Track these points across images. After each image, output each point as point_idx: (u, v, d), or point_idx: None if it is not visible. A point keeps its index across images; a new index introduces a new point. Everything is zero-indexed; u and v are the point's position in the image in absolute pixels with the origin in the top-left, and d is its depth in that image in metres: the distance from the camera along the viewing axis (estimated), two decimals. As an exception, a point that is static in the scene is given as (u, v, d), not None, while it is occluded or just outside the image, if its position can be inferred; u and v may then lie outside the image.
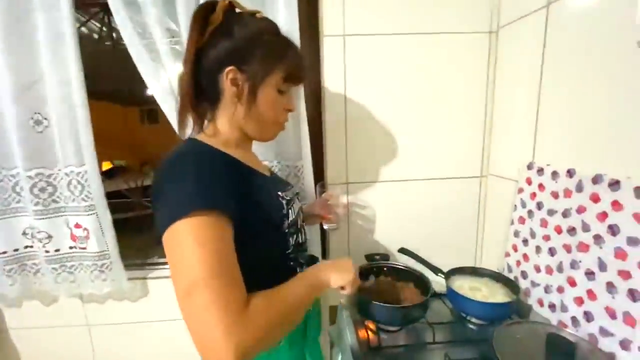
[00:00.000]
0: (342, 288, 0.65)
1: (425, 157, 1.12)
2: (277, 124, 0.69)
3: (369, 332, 0.82)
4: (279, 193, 0.69)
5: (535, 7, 0.89)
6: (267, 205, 0.64)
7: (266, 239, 0.63)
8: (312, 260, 0.80)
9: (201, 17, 0.62)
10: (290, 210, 0.69)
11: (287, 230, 0.67)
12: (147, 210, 1.32)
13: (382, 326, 0.84)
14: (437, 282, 0.92)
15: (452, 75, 1.07)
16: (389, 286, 0.91)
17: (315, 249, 1.12)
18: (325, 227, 0.97)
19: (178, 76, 0.67)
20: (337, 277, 0.64)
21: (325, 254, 1.21)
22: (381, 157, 1.11)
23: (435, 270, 0.96)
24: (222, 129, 0.66)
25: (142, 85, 0.95)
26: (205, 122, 0.69)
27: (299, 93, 1.01)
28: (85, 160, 0.99)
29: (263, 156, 1.05)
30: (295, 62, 0.66)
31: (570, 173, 0.79)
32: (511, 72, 1.01)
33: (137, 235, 1.59)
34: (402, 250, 1.03)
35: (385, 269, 0.99)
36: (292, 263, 0.69)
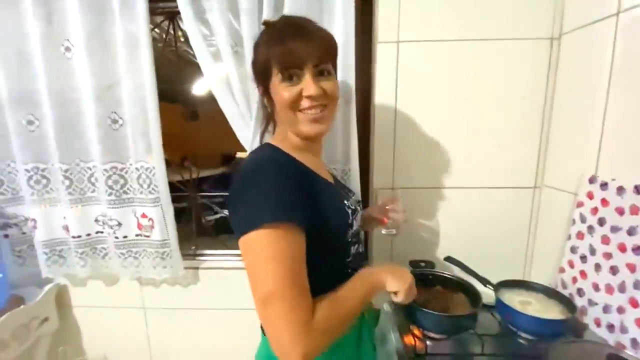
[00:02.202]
0: (395, 293, 0.67)
1: (476, 165, 1.10)
2: (300, 113, 0.65)
3: (415, 339, 0.83)
4: (345, 202, 0.70)
5: (604, 14, 0.85)
6: (334, 215, 0.66)
7: (330, 247, 0.65)
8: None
9: None
10: (354, 221, 0.70)
11: (349, 240, 0.69)
12: (200, 202, 1.40)
13: (429, 333, 0.85)
14: (484, 294, 0.90)
15: (508, 81, 1.05)
16: (439, 293, 0.91)
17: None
18: (383, 232, 0.95)
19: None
20: (393, 281, 0.66)
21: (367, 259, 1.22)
22: (429, 164, 1.11)
23: (484, 281, 0.94)
24: (286, 136, 0.71)
25: (187, 86, 1.00)
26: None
27: (351, 91, 1.03)
28: (153, 157, 1.08)
29: None
30: (282, 50, 0.62)
31: (638, 189, 0.75)
32: (574, 80, 0.97)
33: (187, 226, 1.68)
34: (449, 259, 1.02)
35: (430, 276, 0.99)
36: (350, 271, 0.70)
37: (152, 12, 1.19)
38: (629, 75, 0.80)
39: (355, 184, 1.09)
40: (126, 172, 1.12)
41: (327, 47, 0.66)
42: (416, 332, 0.86)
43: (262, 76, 0.67)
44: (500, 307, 0.88)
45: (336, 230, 0.66)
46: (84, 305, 1.35)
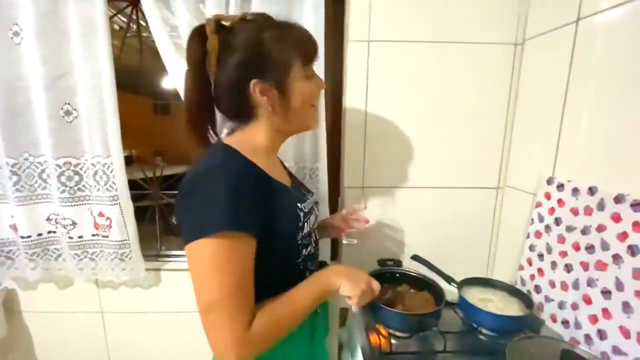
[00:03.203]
0: (349, 297, 0.67)
1: (443, 165, 1.12)
2: (314, 107, 0.70)
3: (381, 337, 0.84)
4: (298, 205, 0.69)
5: (564, 21, 0.88)
6: (284, 219, 0.64)
7: (280, 249, 0.65)
8: (322, 266, 0.81)
9: (197, 42, 0.62)
10: (305, 223, 0.70)
11: (300, 242, 0.68)
12: (163, 201, 1.34)
13: (394, 332, 0.85)
14: (449, 291, 0.92)
15: (474, 84, 1.07)
16: (402, 292, 0.92)
17: (325, 253, 1.13)
18: (344, 241, 0.97)
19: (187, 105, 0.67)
20: (348, 285, 0.65)
21: (336, 259, 1.22)
22: (398, 163, 1.12)
23: (448, 279, 0.96)
24: (254, 135, 0.67)
25: (156, 79, 0.96)
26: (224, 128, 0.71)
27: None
28: (111, 152, 1.02)
29: (282, 156, 1.06)
30: (304, 41, 0.64)
31: (592, 191, 0.79)
32: (535, 84, 1.01)
33: (151, 225, 1.61)
34: (415, 258, 1.03)
35: (397, 275, 1.00)
36: (300, 268, 0.71)
37: (114, -3, 1.13)
38: (585, 81, 0.83)
39: (322, 183, 1.08)
40: (81, 168, 1.05)
41: None
42: (382, 331, 0.86)
43: (275, 73, 0.62)
44: (462, 304, 0.90)
45: (286, 233, 0.65)
46: (34, 310, 1.25)
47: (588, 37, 0.82)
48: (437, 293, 0.91)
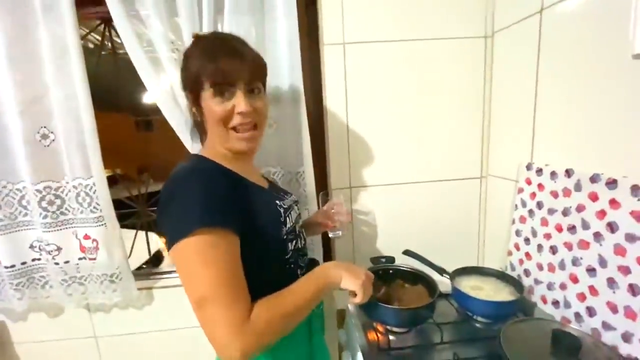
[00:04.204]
0: (354, 295, 0.68)
1: (426, 159, 1.14)
2: (232, 130, 0.67)
3: (378, 334, 0.84)
4: (277, 202, 0.71)
5: (528, 12, 0.92)
6: (265, 216, 0.67)
7: (265, 247, 0.66)
8: (312, 263, 0.82)
9: None
10: (287, 218, 0.71)
11: (285, 237, 0.70)
12: (151, 218, 1.33)
13: (391, 328, 0.86)
14: (442, 283, 0.94)
15: (449, 79, 1.10)
16: (397, 288, 0.93)
17: (317, 254, 1.13)
18: (330, 235, 0.98)
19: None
20: (349, 278, 0.66)
21: (329, 258, 1.22)
22: (383, 161, 1.13)
23: (440, 271, 0.98)
24: (215, 145, 0.71)
25: (136, 95, 0.95)
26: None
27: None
28: (92, 172, 1.00)
29: (265, 163, 1.07)
30: (215, 67, 0.63)
31: (568, 173, 0.81)
32: (507, 75, 1.04)
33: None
34: (407, 252, 1.04)
35: (391, 271, 1.01)
36: (292, 266, 0.72)
37: (86, 16, 1.11)
38: (554, 69, 0.86)
39: (310, 186, 1.09)
40: (62, 191, 1.03)
41: (258, 66, 0.69)
42: (379, 328, 0.87)
43: (193, 86, 0.67)
44: (455, 294, 0.92)
45: (269, 229, 0.67)
46: (26, 340, 1.21)
47: (553, 25, 0.85)
48: (430, 286, 0.92)
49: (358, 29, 1.05)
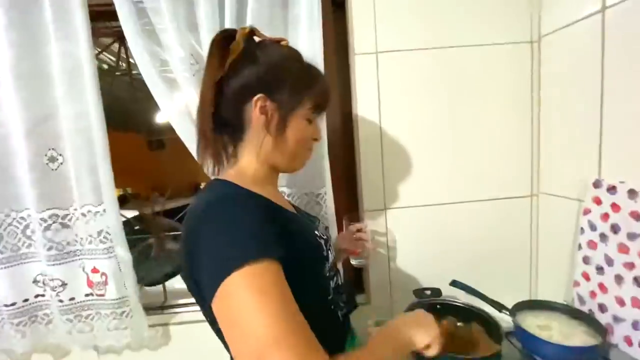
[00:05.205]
0: (427, 347, 0.55)
1: (469, 177, 1.03)
2: (306, 154, 0.65)
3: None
4: (316, 232, 0.62)
5: (587, 12, 0.82)
6: (309, 249, 0.58)
7: (309, 287, 0.55)
8: (352, 306, 0.71)
9: (221, 45, 0.59)
10: (329, 252, 0.63)
11: (328, 274, 0.60)
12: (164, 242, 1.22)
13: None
14: (499, 319, 0.81)
15: (491, 88, 1.00)
16: (451, 328, 0.79)
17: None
18: (353, 262, 0.89)
19: (196, 111, 0.61)
20: (422, 334, 0.54)
21: (363, 291, 1.10)
22: (420, 180, 1.02)
23: (499, 306, 0.84)
24: (248, 166, 0.61)
25: (148, 114, 0.87)
26: (225, 157, 0.63)
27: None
28: (103, 198, 0.91)
29: (282, 183, 0.97)
30: (323, 91, 0.63)
31: (653, 191, 0.69)
32: (561, 81, 0.94)
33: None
34: (455, 284, 0.91)
35: (438, 306, 0.88)
36: (333, 308, 0.62)
37: (99, 32, 1.05)
38: (624, 71, 0.76)
39: (330, 209, 0.97)
40: (70, 220, 0.93)
41: None
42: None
43: (285, 98, 0.58)
44: (522, 336, 0.78)
45: (313, 266, 0.57)
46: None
47: (620, 25, 0.75)
48: (489, 325, 0.79)
49: (392, 37, 0.96)
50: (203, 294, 0.47)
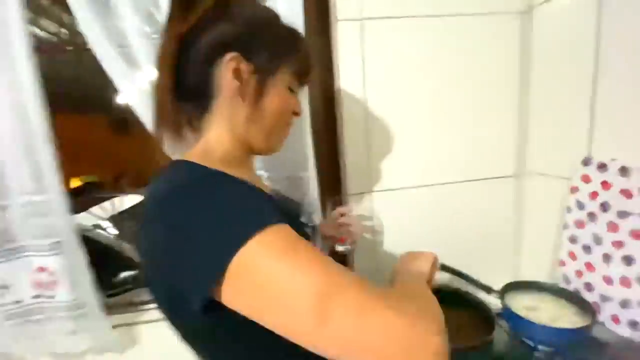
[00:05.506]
0: (433, 269, 0.63)
1: (453, 156, 0.99)
2: (285, 130, 0.57)
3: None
4: (301, 220, 0.58)
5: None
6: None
7: None
8: None
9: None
10: (315, 241, 0.60)
11: None
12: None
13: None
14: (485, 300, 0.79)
15: (479, 60, 0.95)
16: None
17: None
18: (338, 249, 0.82)
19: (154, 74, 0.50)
20: (423, 262, 0.62)
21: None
22: (407, 160, 0.97)
23: (487, 289, 0.81)
24: (217, 142, 0.50)
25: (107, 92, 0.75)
26: (188, 131, 0.52)
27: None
28: (47, 187, 0.77)
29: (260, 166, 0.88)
30: (306, 55, 0.55)
31: (647, 168, 0.67)
32: (552, 55, 0.89)
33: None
34: (444, 268, 0.88)
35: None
36: None
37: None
38: (621, 44, 0.72)
39: (314, 193, 0.90)
40: (7, 212, 0.79)
41: None
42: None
43: (263, 59, 0.49)
44: (512, 318, 0.76)
45: None
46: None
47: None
48: (478, 309, 0.77)
49: (378, 2, 0.87)
50: (185, 296, 0.36)
